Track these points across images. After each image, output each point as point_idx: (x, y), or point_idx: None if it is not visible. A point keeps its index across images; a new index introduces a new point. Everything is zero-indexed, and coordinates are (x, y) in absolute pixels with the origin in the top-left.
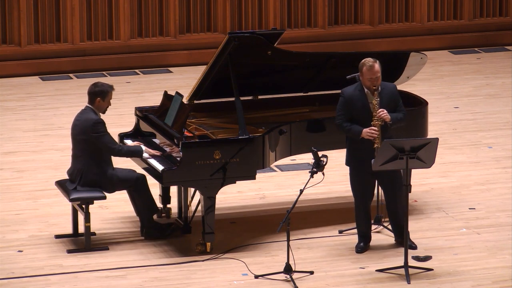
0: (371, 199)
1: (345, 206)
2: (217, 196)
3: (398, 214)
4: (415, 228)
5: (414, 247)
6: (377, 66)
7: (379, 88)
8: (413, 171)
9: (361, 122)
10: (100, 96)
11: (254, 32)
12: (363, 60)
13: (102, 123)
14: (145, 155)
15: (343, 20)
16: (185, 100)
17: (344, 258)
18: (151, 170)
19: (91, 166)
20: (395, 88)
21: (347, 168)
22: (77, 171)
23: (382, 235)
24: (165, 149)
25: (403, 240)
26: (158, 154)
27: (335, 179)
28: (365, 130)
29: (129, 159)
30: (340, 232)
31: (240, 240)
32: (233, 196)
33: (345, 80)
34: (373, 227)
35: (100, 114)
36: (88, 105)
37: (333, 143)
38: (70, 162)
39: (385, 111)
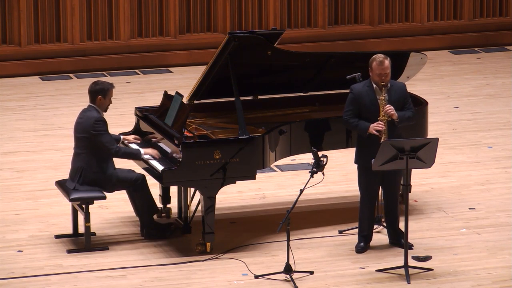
0: (376, 198)
1: (345, 206)
2: (217, 196)
3: (396, 217)
4: (415, 228)
5: (410, 247)
6: (387, 62)
7: (388, 85)
8: (413, 171)
9: (369, 118)
10: (101, 94)
11: (254, 32)
12: (373, 56)
13: (103, 122)
14: (145, 156)
15: (343, 20)
16: (185, 100)
17: (344, 258)
18: (151, 170)
19: (92, 165)
20: (404, 87)
21: (347, 168)
22: (78, 169)
23: (382, 235)
24: (161, 145)
25: (396, 241)
26: (158, 155)
27: (335, 179)
28: (372, 125)
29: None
30: (340, 232)
31: (240, 240)
32: (233, 196)
33: (345, 80)
34: (374, 227)
35: (103, 113)
36: (90, 104)
37: (333, 143)
38: (71, 161)
39: (392, 108)
